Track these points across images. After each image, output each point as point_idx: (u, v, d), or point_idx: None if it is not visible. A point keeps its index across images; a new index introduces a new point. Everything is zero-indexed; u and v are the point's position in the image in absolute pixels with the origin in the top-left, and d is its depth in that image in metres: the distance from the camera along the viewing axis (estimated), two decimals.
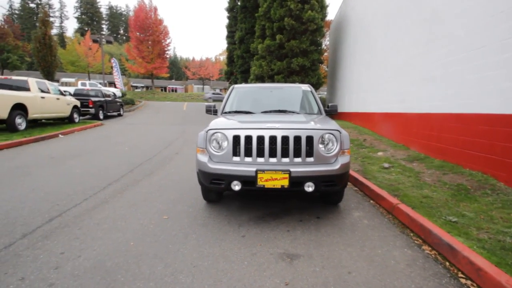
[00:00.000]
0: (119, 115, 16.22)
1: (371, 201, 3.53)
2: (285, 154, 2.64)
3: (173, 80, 53.45)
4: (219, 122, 3.04)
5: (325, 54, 19.23)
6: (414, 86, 6.14)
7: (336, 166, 2.63)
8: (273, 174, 2.52)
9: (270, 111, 3.67)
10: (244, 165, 2.63)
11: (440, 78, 5.15)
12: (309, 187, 2.58)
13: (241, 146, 2.67)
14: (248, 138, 2.67)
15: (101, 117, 13.43)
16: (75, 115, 11.16)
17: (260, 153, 2.65)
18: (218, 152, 2.75)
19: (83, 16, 67.03)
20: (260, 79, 14.34)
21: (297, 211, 3.16)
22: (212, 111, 4.05)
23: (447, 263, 2.12)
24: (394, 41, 7.27)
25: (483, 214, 2.87)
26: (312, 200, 3.51)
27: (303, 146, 2.63)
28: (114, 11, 73.14)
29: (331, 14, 14.98)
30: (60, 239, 2.47)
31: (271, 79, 13.86)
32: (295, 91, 4.14)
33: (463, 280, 1.91)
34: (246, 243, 2.44)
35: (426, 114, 5.61)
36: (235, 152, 2.70)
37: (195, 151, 2.99)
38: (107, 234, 2.57)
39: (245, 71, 16.99)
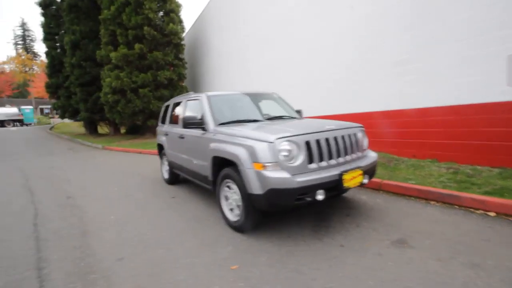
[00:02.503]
0: None
1: None
2: (343, 153, 2.74)
3: None
4: (273, 129, 2.63)
5: None
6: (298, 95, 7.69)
7: (375, 157, 3.05)
8: (353, 173, 2.57)
9: (273, 118, 3.52)
10: (324, 171, 2.48)
11: (326, 91, 6.85)
12: (366, 179, 2.83)
13: (314, 151, 2.49)
14: (318, 143, 2.54)
15: None
16: None
17: (329, 156, 2.60)
18: (292, 163, 2.40)
19: None
20: (120, 92, 12.13)
21: (325, 211, 3.27)
22: (197, 124, 3.28)
23: (456, 207, 3.10)
24: (269, 61, 8.68)
25: (415, 174, 4.29)
26: None
27: (354, 143, 2.85)
28: None
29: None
30: None
31: (135, 93, 12.11)
32: (273, 97, 4.15)
33: (478, 212, 2.91)
34: (355, 249, 2.35)
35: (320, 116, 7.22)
36: (310, 160, 2.47)
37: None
38: None
39: (88, 83, 13.61)
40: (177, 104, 4.55)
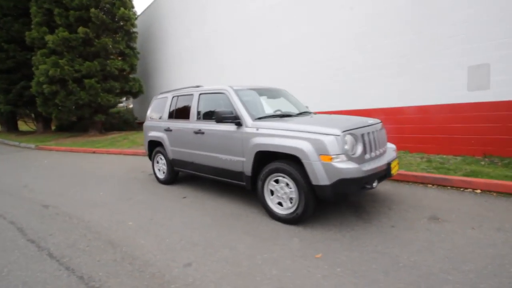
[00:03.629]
0: None
1: None
2: (381, 145, 3.06)
3: None
4: (333, 123, 2.76)
5: None
6: None
7: (395, 147, 3.48)
8: (394, 163, 2.90)
9: (302, 113, 3.64)
10: (375, 161, 2.75)
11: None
12: None
13: (366, 143, 2.74)
14: (368, 135, 2.79)
15: None
16: None
17: (375, 147, 2.88)
18: (354, 154, 2.59)
19: None
20: (60, 82, 10.34)
21: (351, 199, 3.58)
22: (231, 119, 3.16)
23: (448, 187, 3.78)
24: (246, 54, 8.71)
25: (398, 163, 4.99)
26: None
27: (384, 136, 3.20)
28: None
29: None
30: None
31: (78, 83, 10.50)
32: (286, 93, 4.22)
33: (467, 190, 3.62)
34: (405, 227, 2.68)
35: None
36: (365, 151, 2.71)
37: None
38: None
39: (11, 70, 11.14)
40: (182, 97, 4.23)
